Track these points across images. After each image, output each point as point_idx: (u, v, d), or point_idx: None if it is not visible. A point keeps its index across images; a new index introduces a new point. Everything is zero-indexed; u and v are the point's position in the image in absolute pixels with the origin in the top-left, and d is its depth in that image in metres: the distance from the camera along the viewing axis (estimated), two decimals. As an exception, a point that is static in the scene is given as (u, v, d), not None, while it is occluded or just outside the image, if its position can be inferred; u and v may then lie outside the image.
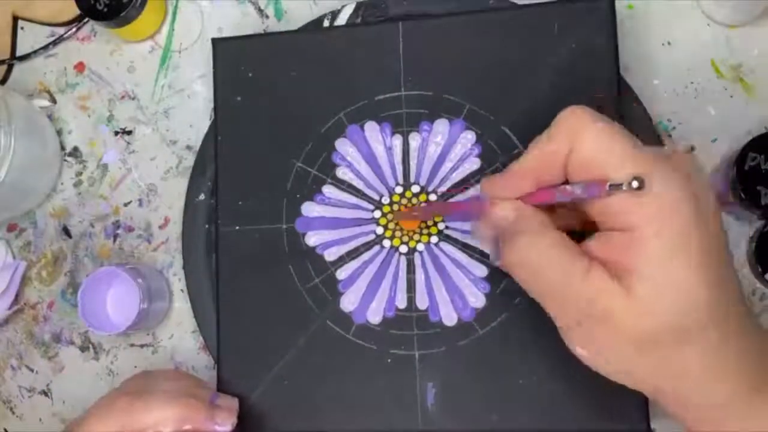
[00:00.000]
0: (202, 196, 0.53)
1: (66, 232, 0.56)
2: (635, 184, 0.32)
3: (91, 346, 0.54)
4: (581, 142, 0.34)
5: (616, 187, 0.32)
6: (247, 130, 0.50)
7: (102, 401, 0.46)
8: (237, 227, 0.50)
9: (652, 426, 0.44)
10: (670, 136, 0.49)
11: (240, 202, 0.50)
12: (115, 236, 0.55)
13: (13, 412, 0.55)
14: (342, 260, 0.49)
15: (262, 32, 0.54)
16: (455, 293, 0.47)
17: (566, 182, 0.35)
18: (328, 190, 0.49)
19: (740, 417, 0.33)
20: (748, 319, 0.34)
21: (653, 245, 0.32)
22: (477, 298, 0.47)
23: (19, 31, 0.59)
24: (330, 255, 0.49)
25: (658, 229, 0.32)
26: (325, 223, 0.49)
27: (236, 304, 0.49)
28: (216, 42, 0.52)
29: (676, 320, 0.32)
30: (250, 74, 0.51)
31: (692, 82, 0.50)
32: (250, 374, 0.48)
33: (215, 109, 0.51)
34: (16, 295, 0.55)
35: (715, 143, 0.49)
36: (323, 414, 0.47)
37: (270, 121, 0.50)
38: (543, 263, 0.35)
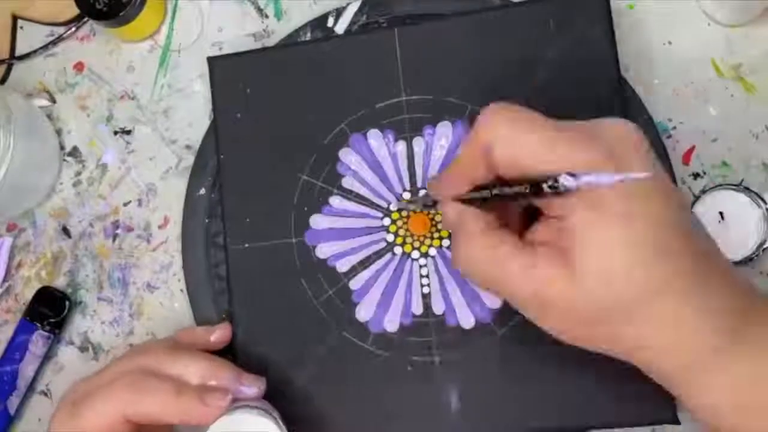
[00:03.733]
0: (202, 191, 0.53)
1: (65, 232, 0.56)
2: (565, 183, 0.32)
3: (90, 346, 0.54)
4: (499, 139, 0.35)
5: (541, 187, 0.33)
6: (249, 147, 0.50)
7: (140, 346, 0.47)
8: (246, 245, 0.49)
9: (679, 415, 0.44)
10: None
11: (247, 219, 0.50)
12: (115, 236, 0.55)
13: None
14: (354, 270, 0.49)
15: (259, 47, 0.54)
16: (470, 295, 0.47)
17: (499, 178, 0.36)
18: (335, 201, 0.49)
19: (704, 380, 0.34)
20: (713, 278, 0.34)
21: (589, 230, 0.33)
22: (493, 299, 0.47)
23: (19, 31, 0.59)
24: (342, 266, 0.49)
25: (590, 214, 0.33)
26: (334, 234, 0.49)
27: (251, 321, 0.49)
28: (212, 61, 0.52)
29: (618, 300, 0.33)
30: (248, 90, 0.51)
31: (692, 82, 0.50)
32: (270, 391, 0.47)
33: (215, 128, 0.51)
34: (6, 272, 0.55)
35: (715, 143, 0.49)
36: (346, 426, 0.47)
37: (272, 135, 0.50)
38: (484, 264, 0.36)
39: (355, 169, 0.49)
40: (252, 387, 0.44)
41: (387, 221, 0.49)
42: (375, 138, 0.50)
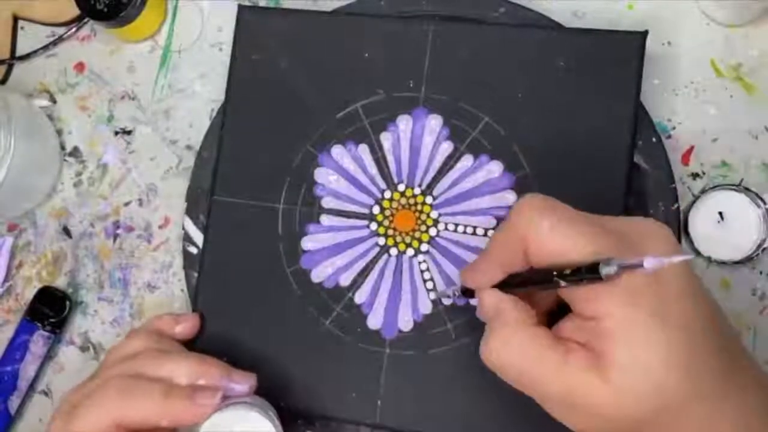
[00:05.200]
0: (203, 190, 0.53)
1: (66, 232, 0.56)
2: (607, 271, 0.31)
3: (91, 346, 0.54)
4: (534, 238, 0.35)
5: (578, 277, 0.33)
6: (256, 103, 0.51)
7: (124, 346, 0.46)
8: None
9: None
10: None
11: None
12: (115, 236, 0.55)
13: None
14: (356, 282, 0.48)
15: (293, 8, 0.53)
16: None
17: (532, 268, 0.36)
18: (321, 219, 0.49)
19: None
20: (748, 377, 0.34)
21: (621, 334, 0.32)
22: None
23: (19, 31, 0.59)
24: (344, 281, 0.49)
25: (625, 317, 0.32)
26: (328, 252, 0.49)
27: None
28: (242, 8, 0.52)
29: (654, 404, 0.32)
30: (270, 44, 0.51)
31: (692, 82, 0.50)
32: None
33: (230, 73, 0.51)
34: (7, 272, 0.55)
35: (715, 143, 0.49)
36: None
37: (281, 96, 0.51)
38: (517, 359, 0.35)
39: (330, 187, 0.50)
40: (242, 383, 0.44)
41: (374, 225, 0.49)
42: (338, 152, 0.50)
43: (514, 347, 0.35)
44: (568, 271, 0.33)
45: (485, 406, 0.46)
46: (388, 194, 0.49)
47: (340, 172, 0.50)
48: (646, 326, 0.32)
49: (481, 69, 0.48)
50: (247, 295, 0.49)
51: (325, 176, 0.50)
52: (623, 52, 0.46)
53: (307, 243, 0.49)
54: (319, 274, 0.49)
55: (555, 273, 0.34)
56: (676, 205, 0.48)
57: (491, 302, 0.38)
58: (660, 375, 0.32)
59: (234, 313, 0.49)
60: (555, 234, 0.34)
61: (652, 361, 0.32)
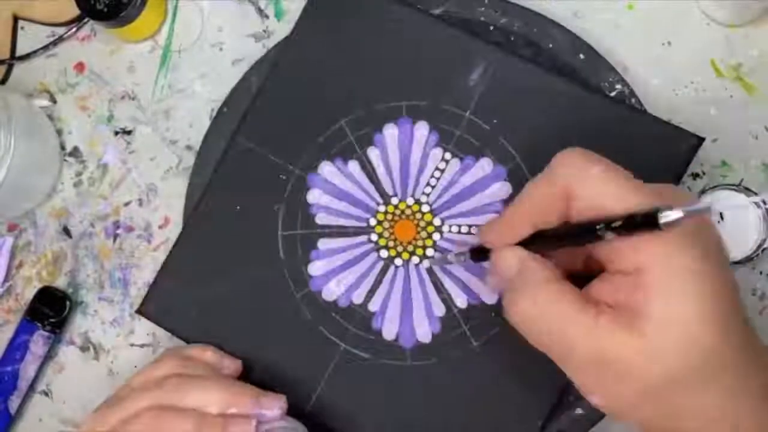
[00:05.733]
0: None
1: (66, 232, 0.56)
2: (668, 218, 0.30)
3: (91, 346, 0.54)
4: (581, 186, 0.34)
5: (633, 222, 0.31)
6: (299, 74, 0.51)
7: (151, 371, 0.45)
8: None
9: None
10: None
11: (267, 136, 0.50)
12: (115, 236, 0.55)
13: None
14: (368, 298, 0.48)
15: None
16: (476, 271, 0.47)
17: (565, 223, 0.35)
18: (320, 242, 0.49)
19: None
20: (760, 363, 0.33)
21: (661, 286, 0.31)
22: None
23: (19, 31, 0.59)
24: (357, 298, 0.48)
25: (666, 270, 0.31)
26: (335, 272, 0.49)
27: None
28: None
29: (687, 361, 0.31)
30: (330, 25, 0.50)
31: (692, 82, 0.50)
32: None
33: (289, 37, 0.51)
34: (7, 272, 0.55)
35: (715, 143, 0.49)
36: None
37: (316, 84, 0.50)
38: (545, 318, 0.34)
39: (326, 205, 0.50)
40: (273, 408, 0.43)
41: (374, 237, 0.49)
42: (326, 170, 0.50)
43: (542, 306, 0.34)
44: (618, 223, 0.32)
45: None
46: (382, 208, 0.49)
47: (333, 191, 0.49)
48: (686, 279, 0.31)
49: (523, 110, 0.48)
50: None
51: (318, 196, 0.50)
52: (676, 147, 0.46)
53: (314, 268, 0.49)
54: (332, 294, 0.49)
55: (601, 225, 0.32)
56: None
57: (514, 260, 0.36)
58: (696, 329, 0.31)
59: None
60: (606, 181, 0.33)
61: (689, 314, 0.31)
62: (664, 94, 0.50)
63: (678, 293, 0.31)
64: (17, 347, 0.53)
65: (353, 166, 0.50)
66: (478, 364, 0.46)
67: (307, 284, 0.49)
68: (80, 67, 0.57)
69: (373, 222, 0.49)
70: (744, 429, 0.32)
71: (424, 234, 0.48)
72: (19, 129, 0.51)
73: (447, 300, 0.48)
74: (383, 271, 0.49)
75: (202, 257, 0.50)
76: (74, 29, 0.57)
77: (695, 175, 0.49)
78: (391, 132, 0.49)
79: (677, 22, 0.50)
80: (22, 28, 0.59)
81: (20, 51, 0.58)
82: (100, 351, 0.54)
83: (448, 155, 0.48)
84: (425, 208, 0.49)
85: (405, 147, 0.49)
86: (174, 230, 0.54)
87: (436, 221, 0.48)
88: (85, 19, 0.57)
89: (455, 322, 0.47)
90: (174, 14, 0.57)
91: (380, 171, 0.49)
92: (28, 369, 0.53)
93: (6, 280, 0.56)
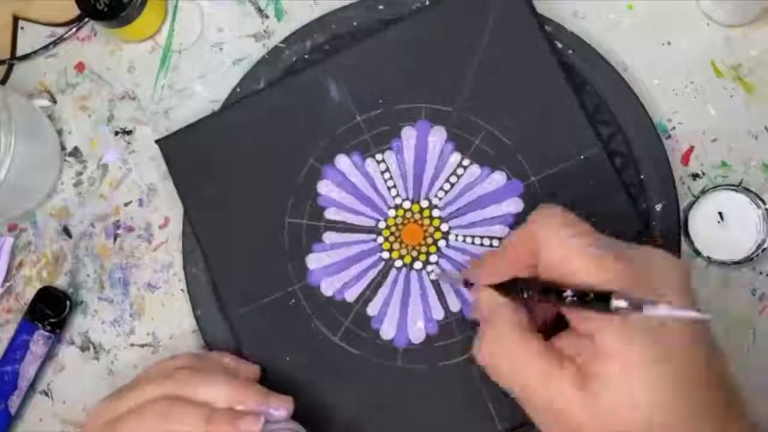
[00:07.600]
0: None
1: (66, 232, 0.56)
2: (618, 305, 0.31)
3: (91, 346, 0.54)
4: (547, 247, 0.35)
5: (580, 302, 0.33)
6: (223, 213, 0.50)
7: (163, 366, 0.47)
8: (248, 307, 0.49)
9: None
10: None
11: (243, 283, 0.50)
12: (116, 236, 0.55)
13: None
14: (365, 295, 0.49)
15: (207, 114, 0.53)
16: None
17: (536, 277, 0.36)
18: (326, 235, 0.49)
19: None
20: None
21: (613, 361, 0.32)
22: None
23: (19, 31, 0.59)
24: (351, 295, 0.49)
25: (621, 347, 0.32)
26: (335, 268, 0.49)
27: (276, 378, 0.48)
28: (161, 143, 0.52)
29: None
30: (206, 159, 0.51)
31: (692, 82, 0.50)
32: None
33: (184, 205, 0.51)
34: (7, 272, 0.55)
35: (715, 143, 0.49)
36: None
37: (243, 194, 0.50)
38: (508, 360, 0.36)
39: (336, 198, 0.50)
40: (280, 409, 0.44)
41: (380, 239, 0.49)
42: (344, 163, 0.50)
43: (504, 349, 0.36)
44: (570, 294, 0.33)
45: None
46: (392, 213, 0.49)
47: (345, 188, 0.50)
48: (640, 362, 0.32)
49: (396, 70, 0.50)
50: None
51: (329, 191, 0.50)
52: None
53: (314, 260, 0.49)
54: (328, 289, 0.49)
55: (559, 292, 0.33)
56: (676, 206, 0.48)
57: (488, 302, 0.38)
58: (643, 413, 0.32)
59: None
60: (572, 248, 0.34)
61: (639, 397, 0.32)
62: (663, 94, 0.50)
63: (629, 372, 0.32)
64: (17, 347, 0.53)
65: (371, 164, 0.50)
66: (466, 372, 0.46)
67: (304, 278, 0.49)
68: (80, 67, 0.57)
69: (382, 225, 0.49)
70: None
71: (430, 240, 0.48)
72: (19, 129, 0.51)
73: (445, 305, 0.48)
74: (384, 272, 0.49)
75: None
76: (74, 29, 0.57)
77: (695, 176, 0.49)
78: (409, 134, 0.49)
79: (677, 22, 0.50)
80: (22, 28, 0.59)
81: (20, 51, 0.58)
82: (100, 351, 0.54)
83: (466, 161, 0.49)
84: (435, 213, 0.49)
85: (422, 149, 0.49)
86: (174, 230, 0.54)
87: (444, 227, 0.48)
88: (86, 19, 0.57)
89: (450, 328, 0.47)
90: (174, 14, 0.57)
91: (395, 172, 0.49)
92: (28, 369, 0.53)
93: (6, 280, 0.56)
